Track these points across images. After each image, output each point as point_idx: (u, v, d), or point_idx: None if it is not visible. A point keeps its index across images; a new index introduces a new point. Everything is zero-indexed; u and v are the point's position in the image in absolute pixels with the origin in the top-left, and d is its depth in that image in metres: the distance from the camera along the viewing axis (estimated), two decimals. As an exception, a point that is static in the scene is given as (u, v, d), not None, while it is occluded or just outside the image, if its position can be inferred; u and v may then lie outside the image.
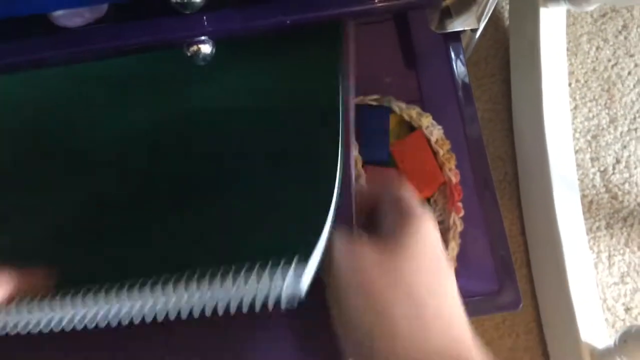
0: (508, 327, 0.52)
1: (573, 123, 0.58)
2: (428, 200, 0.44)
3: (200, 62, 0.30)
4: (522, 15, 0.58)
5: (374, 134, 0.44)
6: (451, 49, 0.42)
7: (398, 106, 0.42)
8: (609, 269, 0.54)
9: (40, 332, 0.27)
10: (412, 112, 0.42)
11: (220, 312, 0.26)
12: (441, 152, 0.43)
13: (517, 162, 0.56)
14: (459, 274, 0.41)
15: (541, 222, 0.52)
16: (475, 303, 0.39)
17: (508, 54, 0.59)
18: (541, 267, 0.52)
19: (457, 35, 0.42)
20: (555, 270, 0.50)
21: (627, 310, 0.53)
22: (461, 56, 0.42)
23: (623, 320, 0.52)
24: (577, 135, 0.58)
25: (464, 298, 0.38)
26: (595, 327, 0.48)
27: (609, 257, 0.54)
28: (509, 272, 0.40)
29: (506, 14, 0.61)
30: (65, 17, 0.29)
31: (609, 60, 0.60)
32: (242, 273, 0.26)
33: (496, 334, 0.52)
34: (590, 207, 0.56)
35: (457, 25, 0.39)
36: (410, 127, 0.44)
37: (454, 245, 0.41)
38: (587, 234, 0.52)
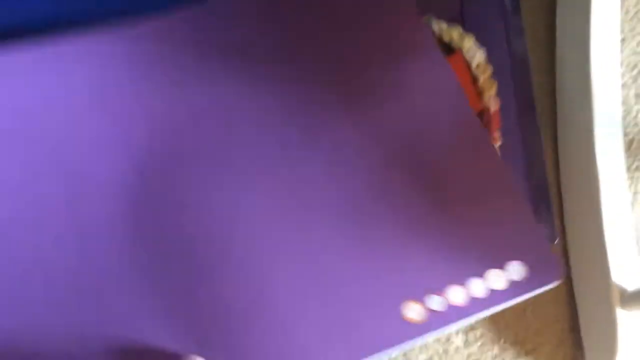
0: (534, 265, 0.51)
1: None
2: (463, 128, 0.41)
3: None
4: None
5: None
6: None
7: (439, 26, 0.39)
8: (646, 211, 0.52)
9: None
10: (454, 33, 0.39)
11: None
12: (481, 79, 0.40)
13: (557, 93, 0.53)
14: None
15: (578, 157, 0.50)
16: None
17: (554, -22, 0.55)
18: (574, 203, 0.50)
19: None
20: (589, 208, 0.48)
21: (661, 253, 0.51)
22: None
23: (656, 262, 0.51)
24: (622, 69, 0.54)
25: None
26: (627, 269, 0.47)
27: (646, 198, 0.52)
28: (545, 207, 0.38)
29: None
30: None
31: (663, -9, 0.56)
32: None
33: (521, 272, 0.50)
34: (630, 145, 0.53)
35: None
36: (448, 50, 0.41)
37: (489, 177, 0.39)
38: (626, 172, 0.50)
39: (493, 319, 0.49)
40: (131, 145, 0.34)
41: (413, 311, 0.32)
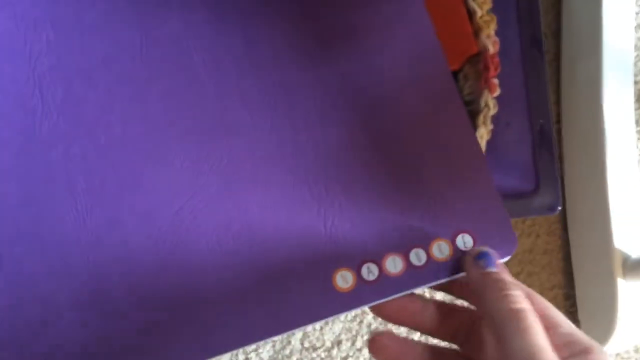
0: (528, 227, 0.46)
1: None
2: (455, 74, 0.36)
3: None
4: None
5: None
6: None
7: (430, -52, 0.33)
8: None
9: None
10: (448, -44, 0.33)
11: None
12: (479, 13, 0.34)
13: (562, 38, 0.47)
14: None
15: (583, 108, 0.44)
16: (504, 204, 0.33)
17: None
18: (576, 161, 0.45)
19: None
20: (593, 165, 0.43)
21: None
22: None
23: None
24: (636, 9, 0.48)
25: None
26: (631, 234, 0.42)
27: (655, 154, 0.47)
28: (549, 167, 0.33)
29: None
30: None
31: None
32: None
33: (514, 234, 0.46)
34: (640, 96, 0.47)
35: None
36: (441, -21, 0.35)
37: (484, 132, 0.34)
38: (635, 126, 0.45)
39: (481, 286, 0.45)
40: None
41: (344, 279, 0.29)
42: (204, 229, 0.30)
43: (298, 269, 0.30)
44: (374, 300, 0.30)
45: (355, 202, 0.30)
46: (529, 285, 0.45)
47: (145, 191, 0.30)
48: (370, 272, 0.30)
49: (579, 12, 0.45)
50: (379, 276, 0.29)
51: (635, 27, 0.48)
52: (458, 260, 0.30)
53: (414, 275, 0.30)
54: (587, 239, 0.44)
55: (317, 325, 0.35)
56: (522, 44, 0.34)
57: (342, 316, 0.38)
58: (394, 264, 0.29)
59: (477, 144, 0.30)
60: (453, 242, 0.30)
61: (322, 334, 0.43)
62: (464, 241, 0.30)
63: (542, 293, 0.45)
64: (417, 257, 0.30)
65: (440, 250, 0.30)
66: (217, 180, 0.30)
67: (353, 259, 0.30)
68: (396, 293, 0.30)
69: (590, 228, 0.44)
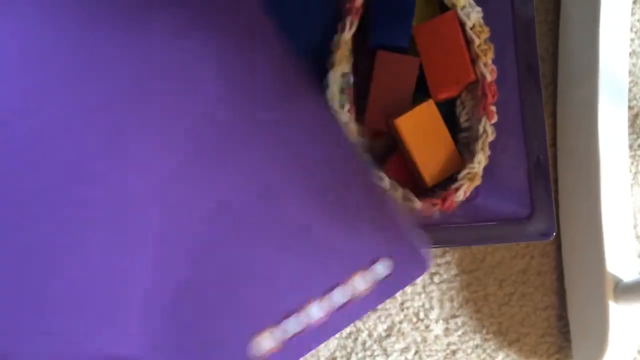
0: (522, 248, 0.46)
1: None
2: (453, 101, 0.36)
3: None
4: None
5: (392, 14, 0.35)
6: None
7: (430, -23, 0.34)
8: (647, 193, 0.47)
9: None
10: (447, -13, 0.34)
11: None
12: (477, 42, 0.35)
13: (559, 60, 0.47)
14: (482, 191, 0.34)
15: (578, 132, 0.45)
16: (499, 228, 0.33)
17: None
18: (571, 184, 0.46)
19: None
20: (587, 189, 0.44)
21: (661, 240, 0.47)
22: None
23: (655, 251, 0.47)
24: (631, 35, 0.49)
25: (487, 222, 0.31)
26: (623, 258, 0.43)
27: (648, 179, 0.48)
28: (544, 194, 0.33)
29: None
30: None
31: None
32: None
33: (508, 254, 0.46)
34: (634, 121, 0.48)
35: None
36: (441, 8, 0.36)
37: (482, 158, 0.35)
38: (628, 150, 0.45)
39: (476, 305, 0.45)
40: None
41: (267, 341, 0.28)
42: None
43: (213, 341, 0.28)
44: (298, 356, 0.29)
45: (274, 251, 0.29)
46: (522, 306, 0.46)
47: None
48: (297, 321, 0.29)
49: (575, 38, 0.46)
50: (304, 329, 0.29)
51: (630, 53, 0.49)
52: (380, 286, 0.29)
53: (339, 316, 0.29)
54: (580, 261, 0.45)
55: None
56: (518, 70, 0.35)
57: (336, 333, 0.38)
58: (318, 309, 0.29)
59: (371, 179, 0.30)
60: (371, 271, 0.30)
61: (317, 351, 0.43)
62: (382, 267, 0.30)
63: (535, 313, 0.46)
64: (339, 295, 0.29)
65: (361, 280, 0.29)
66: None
67: (275, 313, 0.28)
68: (319, 343, 0.29)
69: (583, 251, 0.44)
